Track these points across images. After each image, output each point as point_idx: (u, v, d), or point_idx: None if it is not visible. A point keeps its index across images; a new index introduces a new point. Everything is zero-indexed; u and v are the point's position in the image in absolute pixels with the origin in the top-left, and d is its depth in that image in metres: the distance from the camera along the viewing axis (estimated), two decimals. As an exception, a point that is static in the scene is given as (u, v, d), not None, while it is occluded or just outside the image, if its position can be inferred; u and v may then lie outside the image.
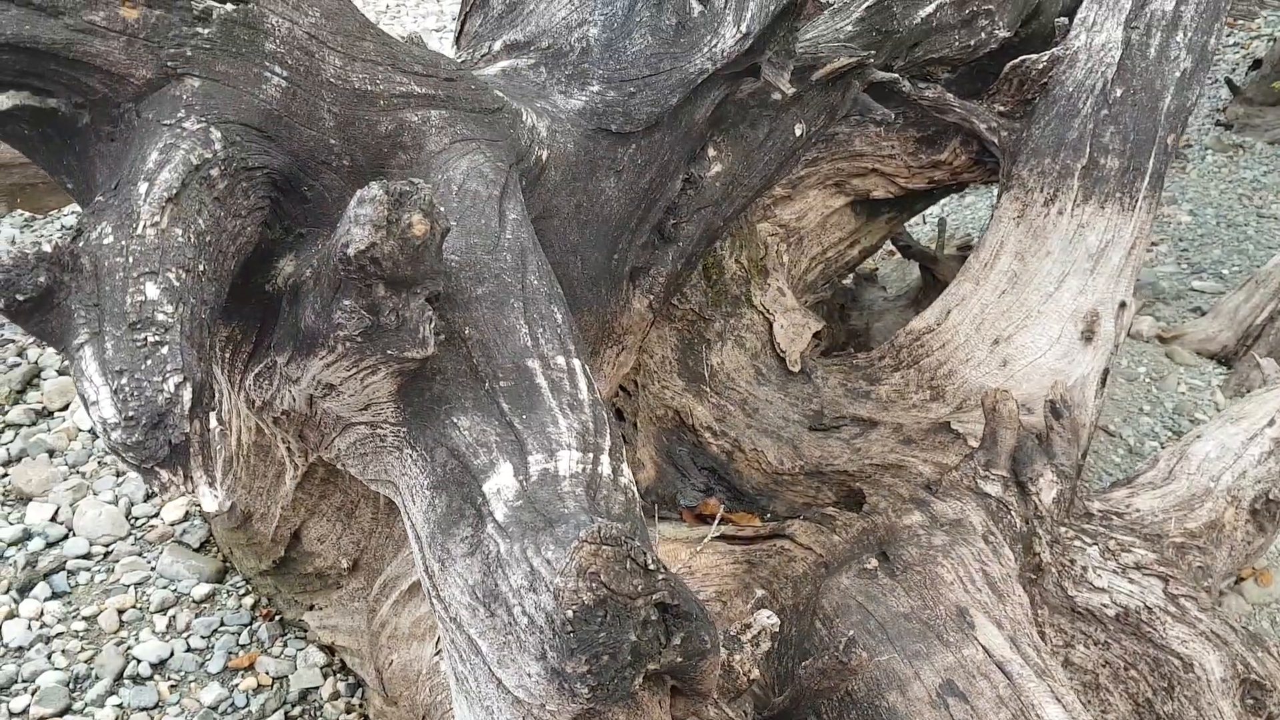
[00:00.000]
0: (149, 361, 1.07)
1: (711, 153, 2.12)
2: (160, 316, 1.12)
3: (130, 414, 1.04)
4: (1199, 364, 3.24)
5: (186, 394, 1.07)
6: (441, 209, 1.33)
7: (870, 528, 1.93)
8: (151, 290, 1.15)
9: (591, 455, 1.32)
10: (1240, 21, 6.09)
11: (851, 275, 3.54)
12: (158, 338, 1.10)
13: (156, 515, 2.69)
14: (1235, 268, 3.83)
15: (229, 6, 1.37)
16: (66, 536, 2.59)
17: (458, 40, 2.54)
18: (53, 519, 2.64)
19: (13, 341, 3.17)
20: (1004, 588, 1.68)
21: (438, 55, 1.83)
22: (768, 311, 2.70)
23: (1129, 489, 2.13)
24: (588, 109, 1.89)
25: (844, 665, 1.28)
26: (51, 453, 2.82)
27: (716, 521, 2.25)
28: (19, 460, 2.79)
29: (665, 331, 2.63)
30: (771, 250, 2.84)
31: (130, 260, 1.17)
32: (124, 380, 1.06)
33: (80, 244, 1.19)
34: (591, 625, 1.03)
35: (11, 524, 2.61)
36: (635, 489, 1.36)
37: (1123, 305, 2.30)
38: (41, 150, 1.42)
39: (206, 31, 1.35)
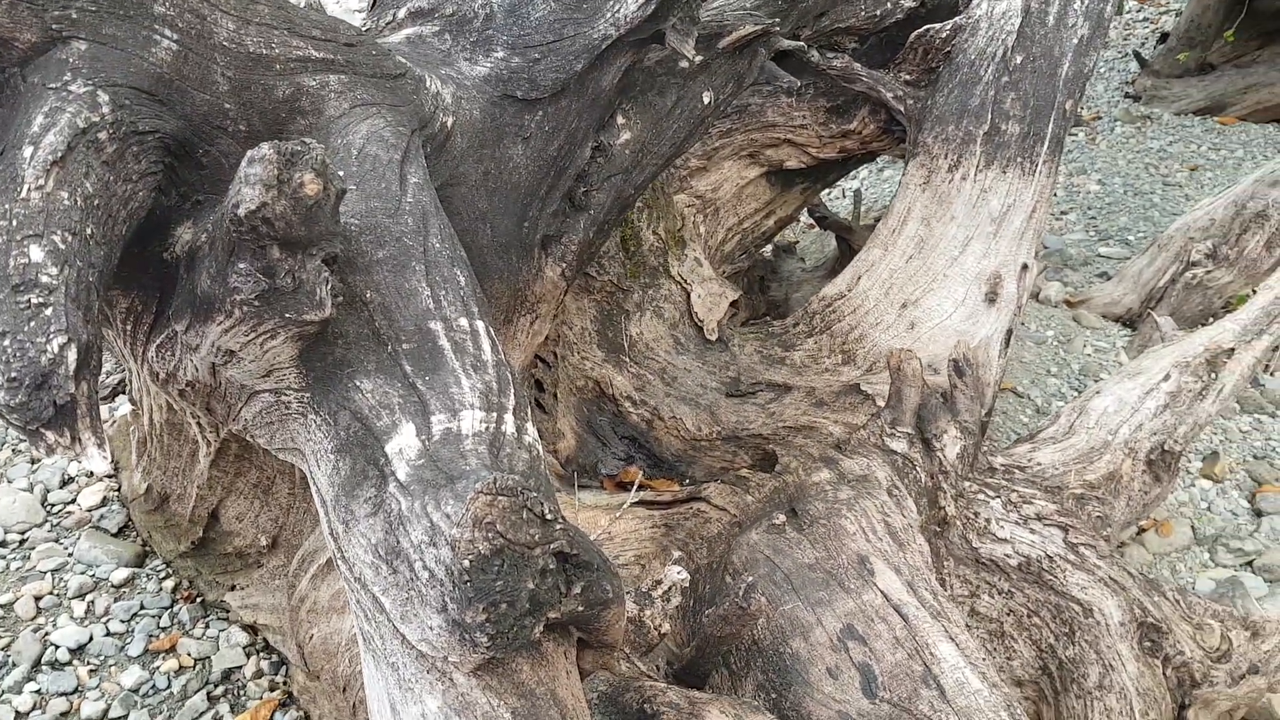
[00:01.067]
0: (32, 323, 1.06)
1: (620, 120, 2.12)
2: (44, 279, 1.10)
3: (13, 375, 1.02)
4: (1105, 326, 3.33)
5: (71, 355, 1.06)
6: (336, 170, 1.33)
7: (781, 486, 1.97)
8: (35, 253, 1.13)
9: (495, 414, 1.32)
10: (1148, -3, 6.25)
11: (771, 247, 3.57)
12: (41, 299, 1.08)
13: (73, 501, 2.64)
14: (1141, 234, 3.94)
15: (117, -32, 1.35)
16: None
17: (372, 8, 2.52)
18: None
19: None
20: (904, 537, 1.72)
21: (337, 20, 1.81)
22: (685, 282, 2.72)
23: (1031, 444, 2.19)
24: (493, 75, 1.89)
25: (744, 610, 1.31)
26: (-38, 441, 2.76)
27: (635, 488, 2.27)
28: None
29: (584, 303, 2.64)
30: (688, 221, 2.86)
31: (13, 224, 1.15)
32: (6, 342, 1.04)
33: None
34: (488, 574, 1.04)
35: None
36: (540, 446, 1.37)
37: (1025, 267, 2.36)
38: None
39: (93, -7, 1.33)
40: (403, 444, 1.27)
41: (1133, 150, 4.61)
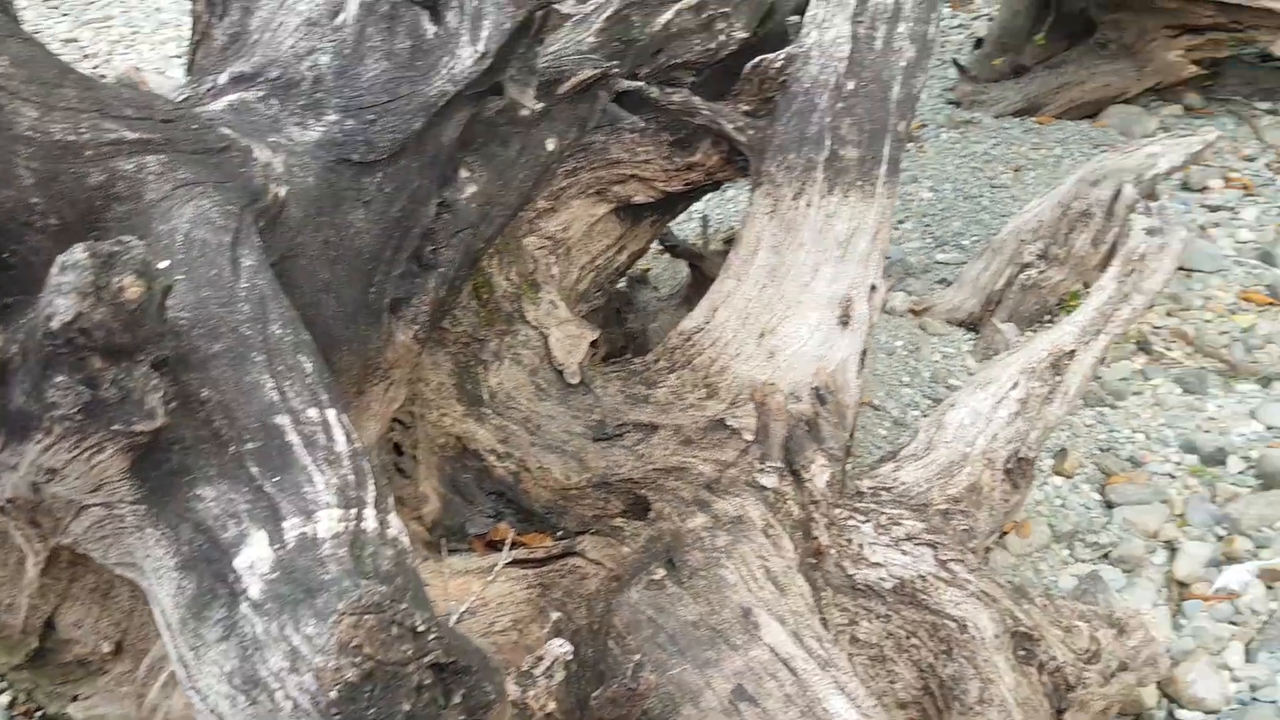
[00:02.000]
0: None
1: (464, 174, 2.07)
2: None
3: None
4: (949, 332, 3.43)
5: None
6: (160, 265, 1.24)
7: (657, 535, 1.94)
8: None
9: (354, 511, 1.26)
10: (961, 5, 6.49)
11: (624, 279, 3.56)
12: None
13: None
14: (974, 238, 4.07)
15: (-103, 60, 1.24)
16: None
17: (189, 69, 2.41)
18: None
19: None
20: (784, 581, 1.71)
21: (152, 96, 1.71)
22: (542, 326, 2.67)
23: (894, 463, 2.23)
24: (326, 139, 1.81)
25: (633, 692, 1.28)
26: None
27: (506, 547, 2.21)
28: None
29: (439, 357, 2.57)
30: (540, 263, 2.82)
31: None
32: None
33: None
34: (359, 704, 0.98)
35: None
36: (407, 538, 1.30)
37: (873, 288, 2.40)
38: None
39: None
40: (254, 556, 1.20)
41: (959, 155, 4.78)
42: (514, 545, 2.26)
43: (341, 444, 1.33)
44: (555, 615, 1.92)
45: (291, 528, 1.22)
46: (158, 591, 1.29)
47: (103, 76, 2.64)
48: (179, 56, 5.82)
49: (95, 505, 1.33)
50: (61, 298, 1.10)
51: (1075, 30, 5.28)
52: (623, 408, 2.50)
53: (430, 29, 1.87)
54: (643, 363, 2.61)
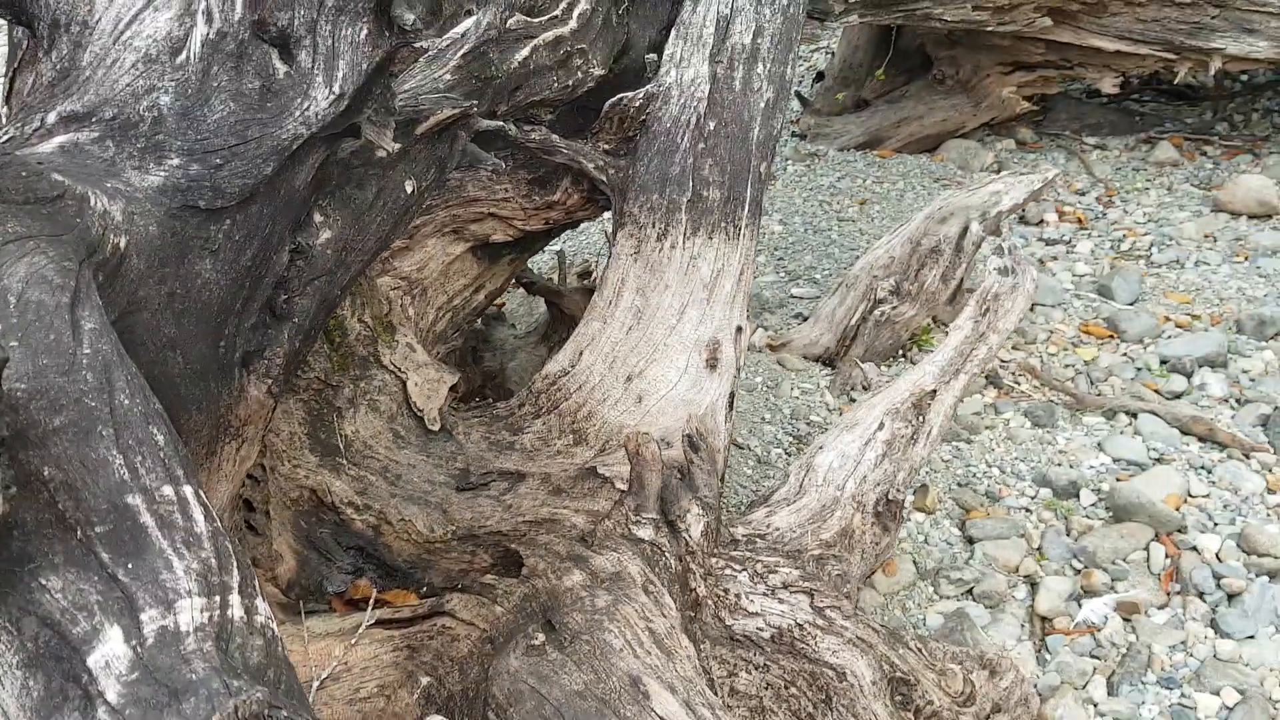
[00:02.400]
0: None
1: (319, 218, 1.97)
2: None
3: None
4: (807, 368, 3.48)
5: None
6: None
7: (532, 593, 1.88)
8: None
9: (218, 598, 1.16)
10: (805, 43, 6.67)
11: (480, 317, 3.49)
12: None
13: None
14: (826, 271, 4.15)
15: None
16: None
17: (7, 99, 2.23)
18: None
19: None
20: (670, 643, 1.68)
21: (-26, 142, 1.57)
22: (399, 370, 2.58)
23: (766, 508, 2.22)
24: (169, 185, 1.69)
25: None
26: None
27: (370, 607, 2.11)
28: None
29: (290, 405, 2.45)
30: (396, 305, 2.73)
31: None
32: None
33: None
34: (239, 826, 0.89)
35: None
36: (274, 625, 1.21)
37: (739, 330, 2.40)
38: None
39: None
40: (109, 654, 1.09)
41: (806, 188, 4.88)
42: (377, 604, 2.16)
43: (201, 524, 1.23)
44: (425, 680, 1.83)
45: (150, 620, 1.11)
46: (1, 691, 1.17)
47: None
48: None
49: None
50: (-123, 382, 0.98)
51: (914, 65, 5.49)
52: (487, 455, 2.43)
53: (281, 68, 1.77)
54: (506, 407, 2.54)
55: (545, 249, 3.56)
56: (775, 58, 2.57)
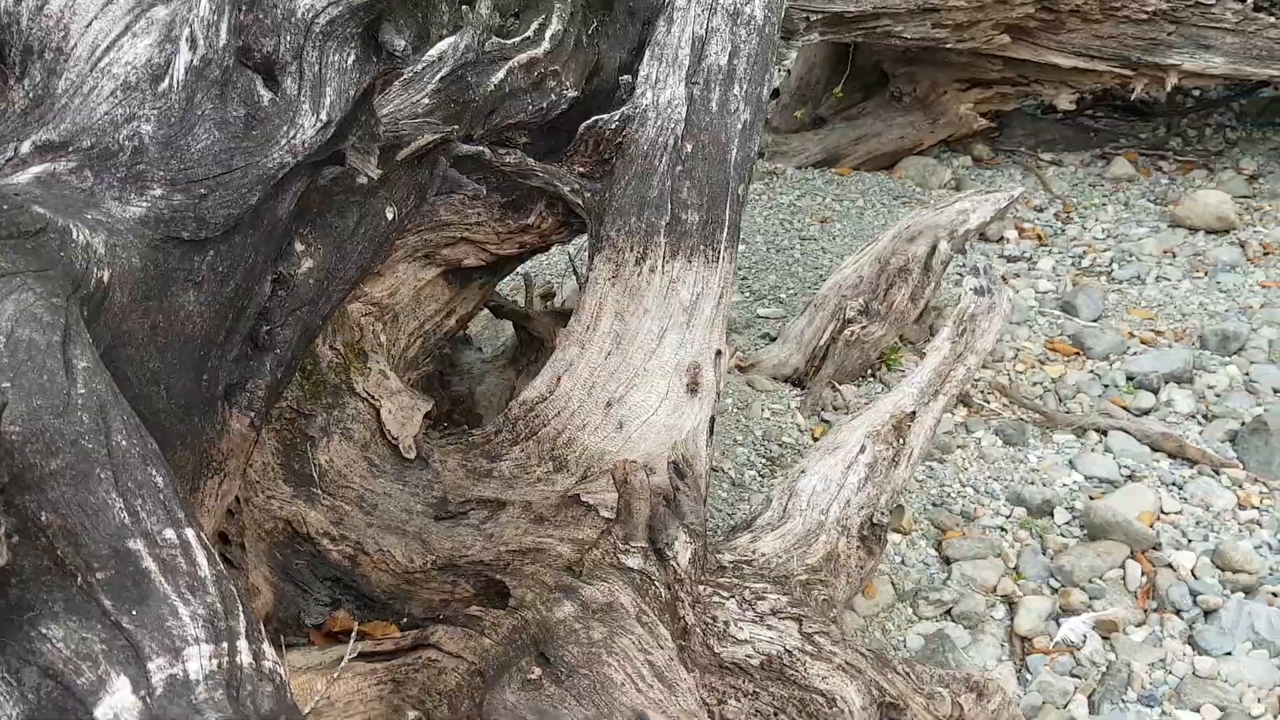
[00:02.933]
0: None
1: (300, 247, 1.95)
2: None
3: None
4: (777, 389, 3.49)
5: None
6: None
7: (521, 625, 1.86)
8: None
9: (226, 644, 1.14)
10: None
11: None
12: None
13: None
14: (791, 291, 4.17)
15: None
16: None
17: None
18: None
19: None
20: (670, 676, 1.67)
21: (-48, 172, 1.53)
22: (372, 397, 2.55)
23: (751, 533, 2.22)
24: (151, 216, 1.66)
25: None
26: None
27: (353, 639, 2.08)
28: None
29: (264, 434, 2.41)
30: (367, 331, 2.69)
31: None
32: None
33: None
34: None
35: None
36: (282, 669, 1.19)
37: (719, 353, 2.40)
38: None
39: None
40: (117, 705, 1.06)
41: (767, 207, 4.91)
42: (358, 636, 2.13)
43: (204, 567, 1.20)
44: (413, 715, 1.81)
45: (158, 669, 1.08)
46: (-5, 748, 1.13)
47: None
48: None
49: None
50: (-120, 430, 0.95)
51: (871, 82, 5.55)
52: (465, 483, 2.41)
53: (266, 95, 1.75)
54: (483, 434, 2.52)
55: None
56: (751, 78, 2.58)
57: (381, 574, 2.29)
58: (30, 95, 1.84)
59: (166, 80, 1.70)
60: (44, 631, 1.12)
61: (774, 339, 3.77)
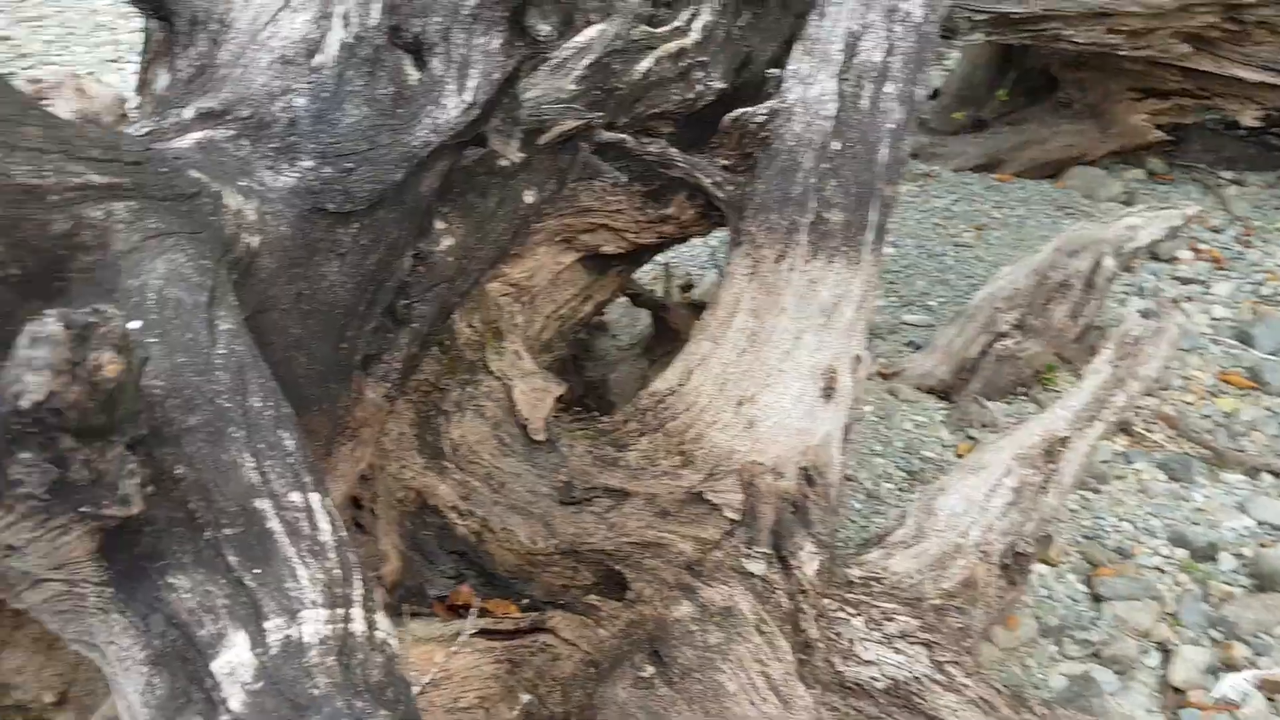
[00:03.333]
0: None
1: (440, 225, 1.97)
2: None
3: None
4: (921, 399, 3.38)
5: None
6: (131, 326, 1.13)
7: (638, 619, 1.85)
8: None
9: (341, 611, 1.15)
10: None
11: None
12: None
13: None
14: (941, 299, 4.04)
15: None
16: None
17: (140, 90, 2.28)
18: None
19: None
20: (787, 691, 1.63)
21: (120, 136, 1.60)
22: (506, 377, 2.57)
23: (883, 550, 2.15)
24: (301, 187, 1.70)
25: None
26: None
27: (472, 616, 2.09)
28: None
29: (399, 405, 2.45)
30: (505, 311, 2.72)
31: None
32: None
33: None
34: None
35: None
36: (394, 641, 1.20)
37: (858, 358, 2.34)
38: None
39: None
40: (234, 660, 1.08)
41: (919, 210, 4.77)
42: (479, 613, 2.15)
43: (326, 533, 1.22)
44: (526, 698, 1.81)
45: (275, 629, 1.10)
46: (123, 684, 1.18)
47: (40, 80, 2.51)
48: (115, 60, 5.61)
49: (55, 580, 1.21)
50: (32, 374, 0.99)
51: (1037, 87, 5.32)
52: (591, 470, 2.40)
53: (414, 75, 1.77)
54: (611, 422, 2.51)
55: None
56: (905, 77, 2.50)
57: (505, 552, 2.30)
58: (195, 64, 1.91)
59: (320, 55, 1.74)
60: (172, 581, 1.15)
61: (920, 347, 3.65)
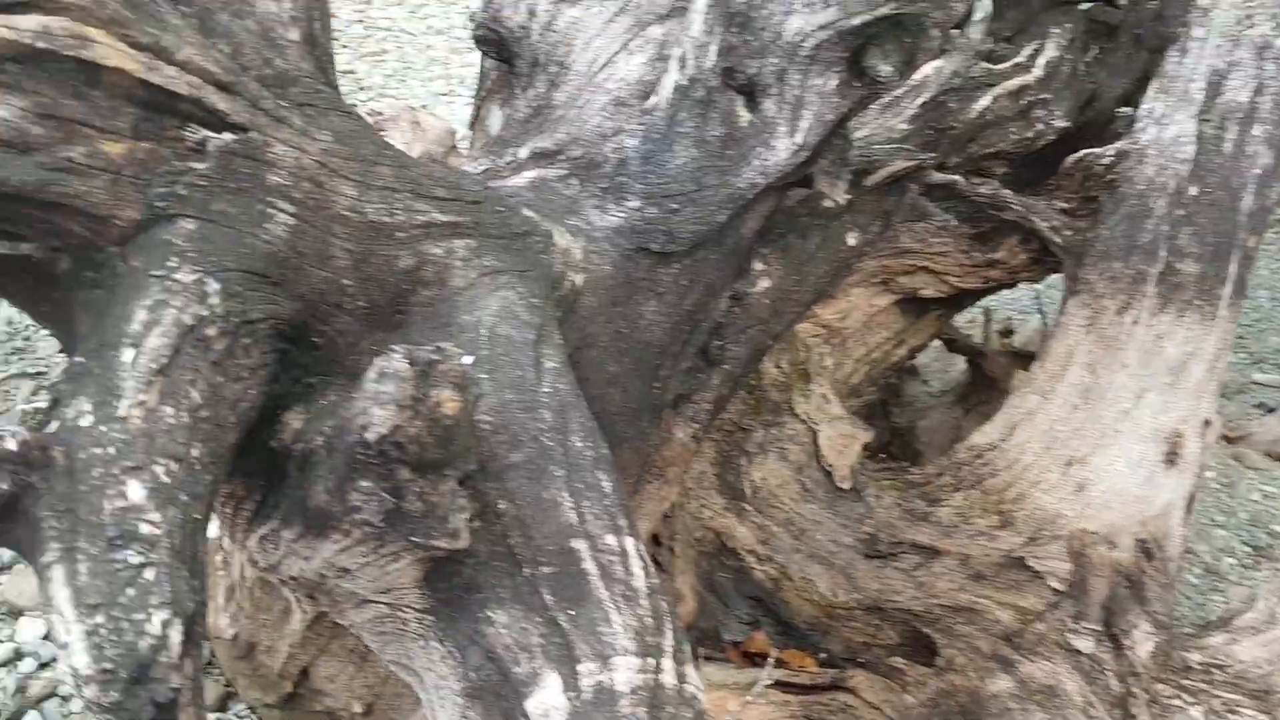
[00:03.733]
0: (130, 591, 0.89)
1: (759, 266, 1.94)
2: (145, 528, 0.94)
3: (107, 665, 0.85)
4: (1271, 468, 3.04)
5: (175, 634, 0.89)
6: (464, 360, 1.16)
7: (949, 689, 1.73)
8: (135, 491, 0.97)
9: (653, 661, 1.13)
10: None
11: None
12: (141, 558, 0.92)
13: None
14: (1296, 356, 3.64)
15: (228, 136, 1.21)
16: (57, 658, 2.40)
17: (472, 126, 2.40)
18: (45, 637, 2.44)
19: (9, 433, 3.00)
20: (1121, 787, 1.48)
21: (461, 174, 1.67)
22: (811, 420, 2.51)
23: (1227, 634, 1.92)
24: (625, 226, 1.72)
25: None
26: (43, 563, 2.62)
27: (768, 666, 2.04)
28: (9, 569, 2.60)
29: (703, 444, 2.45)
30: (813, 352, 2.66)
31: (111, 451, 1.00)
32: (100, 619, 0.87)
33: (52, 431, 1.02)
34: None
35: (1, 641, 2.44)
36: (702, 696, 1.16)
37: (1207, 423, 2.12)
38: (15, 294, 1.25)
39: (202, 166, 1.18)
40: (547, 702, 1.08)
41: (1274, 258, 4.31)
42: (776, 663, 2.09)
43: (640, 579, 1.20)
44: (823, 759, 1.73)
45: (587, 674, 1.10)
46: (437, 710, 1.21)
47: (379, 112, 2.69)
48: (446, 94, 6.00)
49: (381, 603, 1.27)
50: (379, 408, 1.03)
51: None
52: (898, 523, 2.30)
53: (745, 116, 1.75)
54: (922, 474, 2.40)
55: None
56: (1275, 119, 2.25)
57: (803, 602, 2.24)
58: (533, 105, 1.98)
59: (654, 98, 1.75)
60: (490, 615, 1.17)
61: (1271, 410, 3.29)
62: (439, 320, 1.40)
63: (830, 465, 2.44)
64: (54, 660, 2.41)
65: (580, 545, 1.20)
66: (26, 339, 3.40)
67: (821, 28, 1.68)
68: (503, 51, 2.07)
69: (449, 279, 1.43)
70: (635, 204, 1.72)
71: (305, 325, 1.30)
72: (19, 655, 2.42)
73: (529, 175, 1.84)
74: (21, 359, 3.33)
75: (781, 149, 1.71)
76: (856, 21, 1.64)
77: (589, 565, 1.19)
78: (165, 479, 1.00)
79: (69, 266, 1.16)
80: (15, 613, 2.52)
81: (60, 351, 1.30)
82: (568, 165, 1.82)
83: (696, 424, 1.92)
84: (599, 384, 1.70)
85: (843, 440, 2.50)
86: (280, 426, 1.30)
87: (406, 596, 1.23)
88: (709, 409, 1.93)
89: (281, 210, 1.26)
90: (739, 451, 2.45)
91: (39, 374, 3.25)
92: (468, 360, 1.30)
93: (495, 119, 2.34)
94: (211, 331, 1.14)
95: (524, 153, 1.89)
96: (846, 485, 2.40)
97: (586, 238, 1.69)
